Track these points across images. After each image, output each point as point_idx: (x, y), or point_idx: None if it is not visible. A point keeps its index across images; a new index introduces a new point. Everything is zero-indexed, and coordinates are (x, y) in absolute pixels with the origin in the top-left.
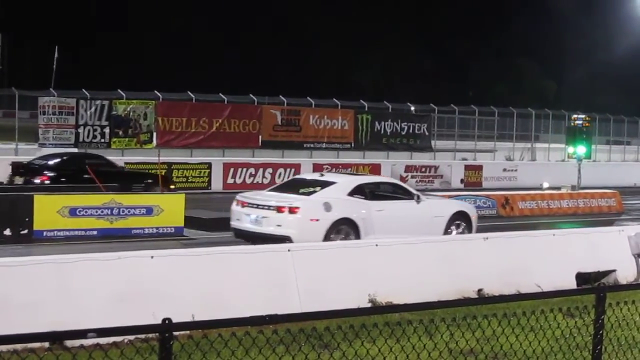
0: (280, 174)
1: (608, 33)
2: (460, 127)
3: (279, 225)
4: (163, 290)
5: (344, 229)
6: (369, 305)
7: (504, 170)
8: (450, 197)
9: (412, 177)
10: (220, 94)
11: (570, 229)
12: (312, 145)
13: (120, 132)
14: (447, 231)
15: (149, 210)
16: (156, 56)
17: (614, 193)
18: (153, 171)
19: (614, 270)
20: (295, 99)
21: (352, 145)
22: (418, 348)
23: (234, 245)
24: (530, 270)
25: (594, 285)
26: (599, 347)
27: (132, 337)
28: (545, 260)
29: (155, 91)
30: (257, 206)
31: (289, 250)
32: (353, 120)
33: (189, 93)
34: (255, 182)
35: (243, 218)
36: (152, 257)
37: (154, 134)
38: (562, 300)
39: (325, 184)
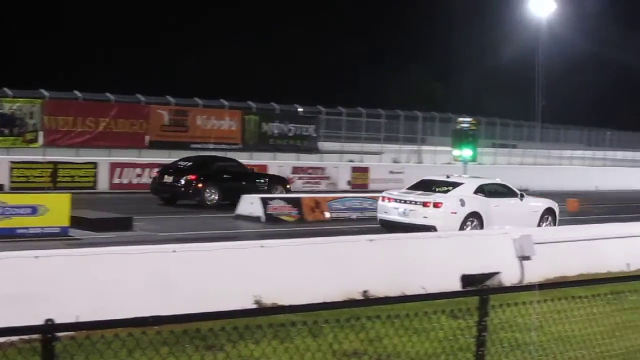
0: None
1: (496, 37)
2: (347, 129)
3: (425, 217)
4: (47, 291)
5: (473, 220)
6: (255, 306)
7: (391, 172)
8: (338, 198)
9: (299, 178)
10: (107, 93)
11: (455, 231)
12: (199, 146)
13: (6, 131)
14: (539, 223)
15: (34, 210)
16: (43, 54)
17: None
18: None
19: (498, 273)
20: (183, 99)
21: (240, 145)
22: (302, 349)
23: (122, 245)
24: (415, 272)
25: (478, 287)
26: (482, 349)
27: (15, 339)
28: (431, 262)
29: (42, 90)
30: (404, 201)
31: (174, 251)
32: (241, 120)
33: (76, 92)
34: (141, 182)
35: (391, 211)
36: (36, 257)
37: (40, 132)
38: (446, 302)
39: (455, 185)
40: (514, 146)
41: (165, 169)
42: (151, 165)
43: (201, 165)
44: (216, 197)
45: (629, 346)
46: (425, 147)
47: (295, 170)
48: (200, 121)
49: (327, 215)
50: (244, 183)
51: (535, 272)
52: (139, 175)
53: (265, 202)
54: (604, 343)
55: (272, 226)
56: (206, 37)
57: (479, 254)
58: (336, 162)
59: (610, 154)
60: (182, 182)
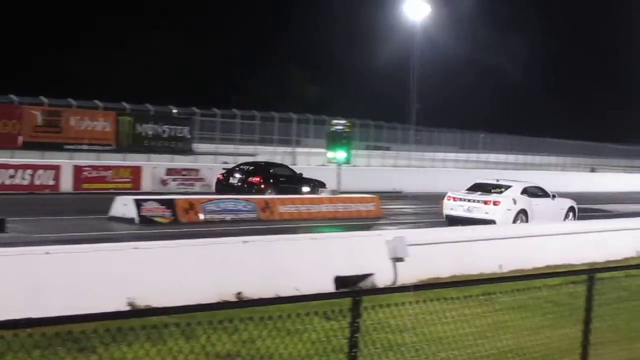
0: (39, 176)
1: (371, 41)
2: (222, 131)
3: (486, 213)
4: None
5: (521, 216)
6: (128, 308)
7: None
8: (212, 200)
9: (174, 180)
10: None
11: (329, 233)
12: (72, 147)
13: None
14: (565, 219)
15: None
16: None
17: (373, 198)
18: None
19: (372, 274)
20: (57, 100)
21: (113, 147)
22: (175, 351)
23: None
24: (289, 274)
25: (351, 288)
26: (354, 350)
27: None
28: (305, 264)
29: None
30: (468, 200)
31: (47, 253)
32: (114, 121)
33: None
34: (14, 183)
35: (456, 208)
36: None
37: None
38: (320, 303)
39: (506, 187)
40: (387, 148)
41: (230, 171)
42: (24, 167)
43: (262, 169)
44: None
45: (500, 347)
46: (299, 149)
47: (169, 171)
48: (74, 122)
49: (202, 216)
50: (295, 185)
51: (409, 274)
52: (12, 177)
53: (139, 203)
54: (476, 344)
55: (146, 228)
56: (79, 37)
57: (353, 255)
58: (210, 163)
59: (483, 156)
60: (248, 183)
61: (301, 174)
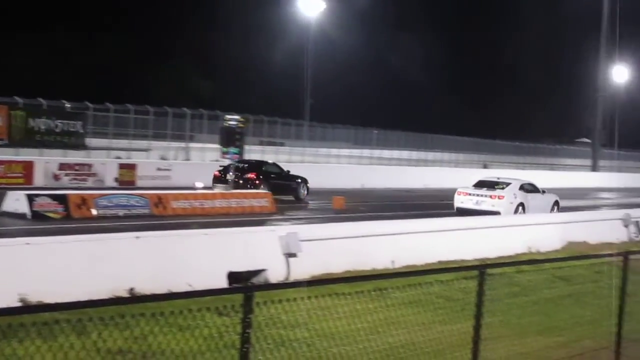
0: None
1: (266, 36)
2: (115, 126)
3: (492, 205)
4: None
5: (520, 208)
6: (19, 304)
7: (158, 169)
8: (104, 195)
9: (66, 175)
10: None
11: (222, 228)
12: None
13: None
14: (551, 211)
15: None
16: None
17: (267, 193)
18: None
19: (265, 270)
20: None
21: (5, 141)
22: (66, 348)
23: None
24: (182, 270)
25: (244, 284)
26: (246, 346)
27: None
28: (198, 260)
29: None
30: (476, 195)
31: None
32: (7, 116)
33: None
34: None
35: (466, 202)
36: None
37: None
38: (213, 299)
39: (506, 184)
40: (281, 144)
41: (225, 168)
42: None
43: (255, 167)
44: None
45: (392, 342)
46: (193, 145)
47: (62, 166)
48: None
49: (94, 212)
50: (283, 182)
51: (302, 269)
52: None
53: (30, 198)
54: (367, 339)
55: (38, 223)
56: None
57: (246, 251)
58: (103, 158)
59: (377, 152)
60: (244, 179)
61: (288, 171)
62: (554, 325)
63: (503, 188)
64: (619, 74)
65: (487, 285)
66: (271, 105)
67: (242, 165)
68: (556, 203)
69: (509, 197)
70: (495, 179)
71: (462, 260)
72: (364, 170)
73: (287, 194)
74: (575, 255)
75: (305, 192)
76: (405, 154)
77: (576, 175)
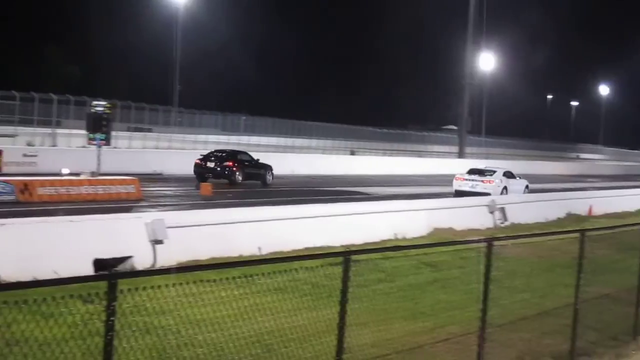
0: None
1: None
2: None
3: (485, 188)
4: None
5: (504, 190)
6: None
7: (24, 155)
8: None
9: None
10: None
11: (88, 215)
12: None
13: None
14: (523, 192)
15: None
16: None
17: (133, 180)
18: None
19: (131, 257)
20: None
21: None
22: None
23: None
24: (47, 257)
25: (109, 271)
26: (110, 333)
27: None
28: (63, 247)
29: None
30: (471, 180)
31: None
32: None
33: None
34: None
35: (463, 185)
36: None
37: None
38: (79, 286)
39: (493, 171)
40: (149, 130)
41: (206, 157)
42: None
43: (232, 155)
44: (240, 178)
45: (258, 329)
46: (60, 131)
47: None
48: None
49: None
50: (254, 170)
51: (168, 256)
52: None
53: None
54: (233, 326)
55: None
56: None
57: (112, 238)
58: None
59: (245, 138)
60: (224, 167)
61: (258, 160)
62: (420, 311)
63: (491, 175)
64: (486, 61)
65: (352, 272)
66: (140, 92)
67: (220, 154)
68: (526, 186)
69: (497, 181)
70: (483, 168)
71: (329, 247)
72: None
73: (256, 179)
74: (441, 241)
75: (271, 178)
76: (273, 140)
77: (443, 162)
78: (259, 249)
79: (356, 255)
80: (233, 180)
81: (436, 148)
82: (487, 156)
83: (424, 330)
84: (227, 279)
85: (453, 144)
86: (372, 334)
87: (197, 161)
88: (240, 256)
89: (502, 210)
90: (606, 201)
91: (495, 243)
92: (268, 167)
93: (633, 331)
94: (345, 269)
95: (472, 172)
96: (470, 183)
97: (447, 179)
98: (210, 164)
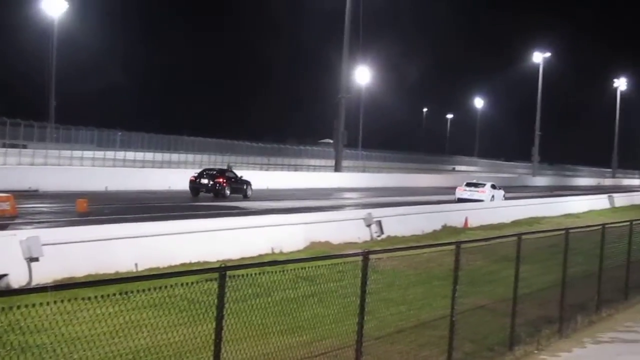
0: None
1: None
2: None
3: (480, 196)
4: None
5: (492, 197)
6: None
7: None
8: None
9: None
10: None
11: None
12: None
13: None
14: (503, 199)
15: None
16: None
17: (8, 197)
18: None
19: (6, 275)
20: None
21: None
22: None
23: None
24: None
25: None
26: None
27: None
28: None
29: None
30: (470, 190)
31: None
32: None
33: None
34: None
35: (464, 194)
36: None
37: None
38: None
39: (484, 184)
40: (24, 146)
41: (199, 175)
42: None
43: (221, 173)
44: (228, 192)
45: (134, 346)
46: None
47: None
48: None
49: None
50: (238, 185)
51: (45, 274)
52: None
53: None
54: (109, 343)
55: None
56: None
57: None
58: None
59: (121, 154)
60: (215, 183)
61: (241, 176)
62: (297, 325)
63: (483, 186)
64: (363, 75)
65: (229, 287)
66: (14, 107)
67: (212, 172)
68: (504, 195)
69: (488, 191)
70: (476, 182)
71: (206, 262)
72: (107, 173)
73: (239, 193)
74: (318, 255)
75: (250, 192)
76: (149, 155)
77: (320, 176)
78: (136, 265)
79: (232, 271)
80: (223, 194)
81: (313, 162)
82: (363, 169)
83: (301, 344)
84: (102, 296)
85: (330, 158)
86: (249, 349)
87: (192, 178)
88: (117, 272)
89: (379, 223)
90: (482, 213)
91: (372, 256)
92: (248, 183)
93: (509, 342)
94: (221, 284)
95: (469, 184)
96: (469, 192)
97: (324, 193)
98: (204, 181)
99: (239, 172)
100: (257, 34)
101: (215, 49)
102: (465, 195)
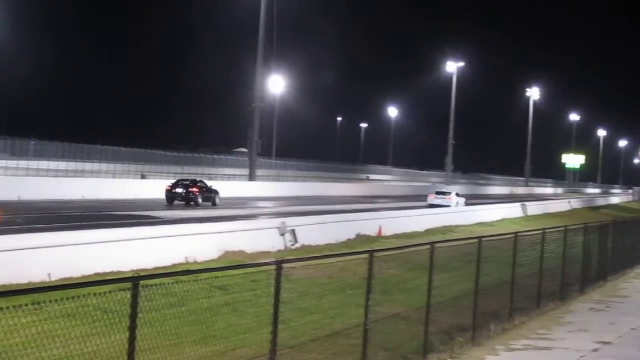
0: None
1: None
2: None
3: (447, 202)
4: None
5: (457, 203)
6: None
7: None
8: None
9: None
10: None
11: None
12: None
13: None
14: (465, 205)
15: None
16: None
17: None
18: None
19: None
20: None
21: None
22: None
23: None
24: None
25: None
26: None
27: None
28: None
29: None
30: (440, 197)
31: None
32: None
33: None
34: None
35: (434, 200)
36: None
37: None
38: None
39: (450, 192)
40: None
41: (174, 184)
42: None
43: (195, 183)
44: (200, 200)
45: (46, 356)
46: None
47: None
48: None
49: None
50: (208, 194)
51: None
52: None
53: None
54: (22, 354)
55: None
56: None
57: None
58: None
59: (34, 163)
60: (189, 192)
61: (211, 186)
62: (211, 335)
63: (450, 194)
64: (277, 84)
65: (143, 297)
66: None
67: (185, 182)
68: (465, 202)
69: (454, 198)
70: (444, 190)
71: (120, 272)
72: (20, 182)
73: (209, 201)
74: (232, 264)
75: (218, 200)
76: (62, 164)
77: (234, 185)
78: (49, 275)
79: (146, 280)
80: (196, 202)
81: (227, 171)
82: (277, 178)
83: (215, 353)
84: (15, 306)
85: (244, 167)
86: (163, 359)
87: (168, 188)
88: (30, 283)
89: (293, 232)
90: (395, 221)
91: (285, 265)
92: (216, 192)
93: (423, 350)
94: (134, 294)
95: (438, 192)
96: (439, 199)
97: (239, 202)
98: (179, 190)
99: (152, 181)
100: (171, 40)
101: (130, 57)
102: (437, 202)
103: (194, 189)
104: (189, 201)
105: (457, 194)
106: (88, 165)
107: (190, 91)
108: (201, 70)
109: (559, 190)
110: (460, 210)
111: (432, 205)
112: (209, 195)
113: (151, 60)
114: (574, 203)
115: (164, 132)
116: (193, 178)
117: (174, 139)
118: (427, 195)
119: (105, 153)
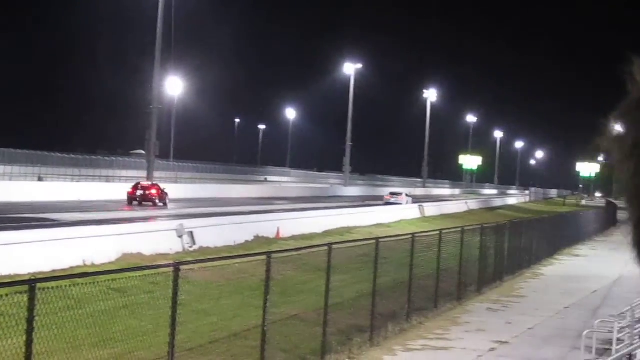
0: None
1: None
2: None
3: (400, 201)
4: None
5: (407, 202)
6: None
7: None
8: None
9: None
10: None
11: None
12: None
13: None
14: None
15: None
16: None
17: None
18: None
19: None
20: None
21: None
22: None
23: None
24: None
25: None
26: None
27: None
28: None
29: None
30: (393, 197)
31: None
32: None
33: None
34: None
35: (390, 199)
36: None
37: None
38: None
39: (401, 193)
40: None
41: (135, 187)
42: None
43: (153, 186)
44: (157, 201)
45: None
46: None
47: None
48: None
49: None
50: (162, 195)
51: None
52: None
53: None
54: None
55: None
56: None
57: None
58: None
59: None
60: (149, 194)
61: (164, 189)
62: (109, 337)
63: (401, 194)
64: (175, 85)
65: (40, 300)
66: None
67: (145, 185)
68: (412, 200)
69: (405, 198)
70: (397, 191)
71: (17, 275)
72: None
73: (162, 202)
74: (129, 267)
75: (168, 201)
76: None
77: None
78: None
79: (43, 283)
80: (155, 203)
81: (125, 173)
82: (176, 180)
83: (113, 356)
84: None
85: (142, 169)
86: None
87: (130, 191)
88: None
89: (191, 234)
90: (294, 223)
91: (183, 267)
92: (166, 194)
93: (321, 351)
94: (31, 297)
95: (392, 193)
96: (394, 199)
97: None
98: (139, 192)
99: (49, 184)
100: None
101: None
102: (392, 201)
103: (155, 192)
104: (148, 202)
105: (406, 195)
106: None
107: (88, 92)
108: (100, 71)
109: (457, 191)
110: (358, 211)
111: (388, 204)
112: (162, 197)
113: (47, 60)
114: (471, 204)
115: (61, 134)
116: (150, 183)
117: (71, 140)
118: (382, 196)
119: (2, 155)
